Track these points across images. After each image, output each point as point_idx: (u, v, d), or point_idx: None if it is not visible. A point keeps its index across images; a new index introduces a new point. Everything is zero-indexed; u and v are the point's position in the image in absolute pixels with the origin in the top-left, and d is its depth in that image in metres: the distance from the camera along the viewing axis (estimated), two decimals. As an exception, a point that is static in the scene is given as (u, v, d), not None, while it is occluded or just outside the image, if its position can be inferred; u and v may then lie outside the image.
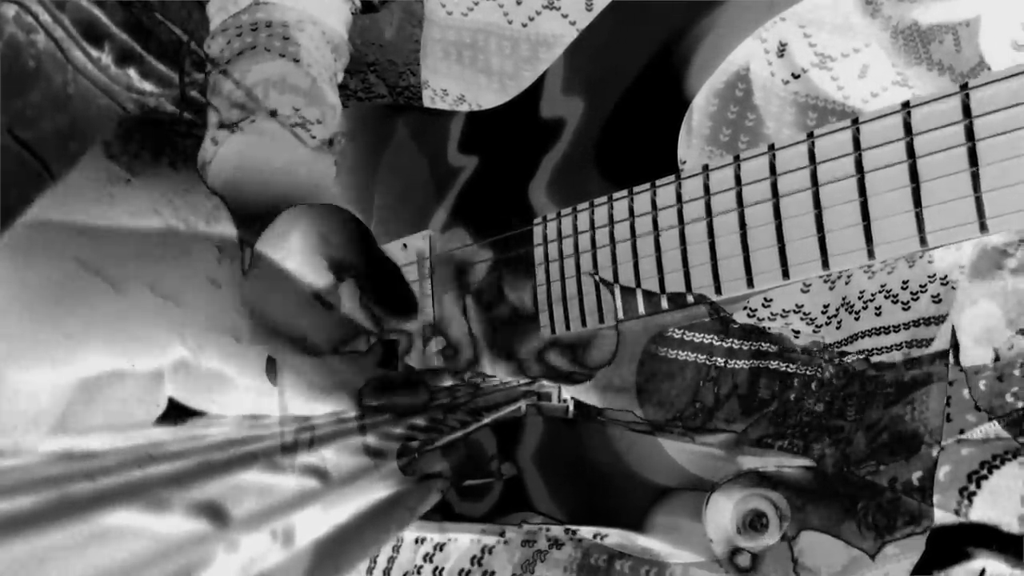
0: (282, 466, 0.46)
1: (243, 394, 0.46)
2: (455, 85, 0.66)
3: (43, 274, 0.39)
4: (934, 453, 0.39)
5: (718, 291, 0.43)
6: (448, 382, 0.57)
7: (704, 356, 0.52)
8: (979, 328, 0.46)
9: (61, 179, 0.43)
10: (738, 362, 0.49)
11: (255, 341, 0.50)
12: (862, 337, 0.61)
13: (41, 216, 0.40)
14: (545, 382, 0.54)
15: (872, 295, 0.59)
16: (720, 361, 0.51)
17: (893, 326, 0.60)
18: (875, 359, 0.60)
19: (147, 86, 0.90)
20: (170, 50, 0.93)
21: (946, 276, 0.58)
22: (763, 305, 0.58)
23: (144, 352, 0.41)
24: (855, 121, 0.37)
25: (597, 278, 0.48)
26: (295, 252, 0.53)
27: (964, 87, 0.34)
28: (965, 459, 0.42)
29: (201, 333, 0.44)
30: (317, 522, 0.45)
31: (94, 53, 0.86)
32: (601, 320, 0.49)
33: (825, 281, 0.58)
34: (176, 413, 0.43)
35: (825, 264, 0.39)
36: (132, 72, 0.89)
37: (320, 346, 0.53)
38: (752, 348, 0.49)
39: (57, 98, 0.83)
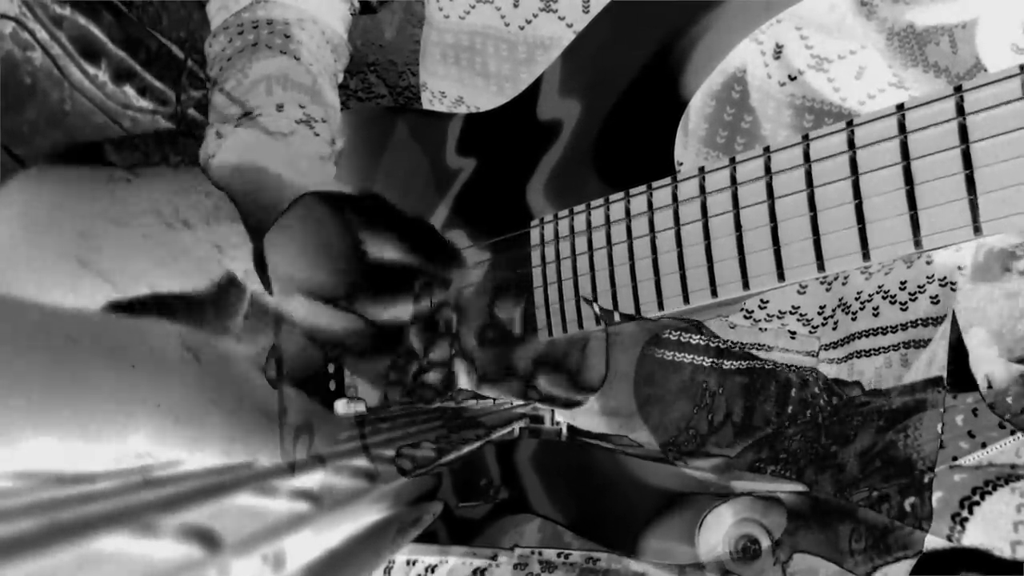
0: (274, 489, 0.45)
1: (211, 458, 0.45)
2: (453, 87, 0.66)
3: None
4: (926, 478, 0.40)
5: (714, 294, 0.43)
6: (439, 403, 0.57)
7: (700, 357, 0.52)
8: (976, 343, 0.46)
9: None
10: (732, 363, 0.49)
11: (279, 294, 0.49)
12: (859, 338, 0.61)
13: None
14: (538, 404, 0.54)
15: (869, 296, 0.59)
16: (715, 362, 0.51)
17: (891, 327, 0.60)
18: (873, 359, 0.60)
19: (144, 103, 0.90)
20: (168, 68, 0.93)
21: (945, 277, 0.58)
22: (759, 306, 0.58)
23: (103, 433, 0.41)
24: (850, 123, 0.37)
25: (597, 308, 0.48)
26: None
27: (958, 89, 0.34)
28: (957, 485, 0.43)
29: (167, 403, 0.43)
30: (308, 546, 0.45)
31: (91, 70, 0.86)
32: (598, 323, 0.49)
33: (821, 282, 0.58)
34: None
35: (821, 267, 0.39)
36: (129, 89, 0.89)
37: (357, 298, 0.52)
38: (744, 350, 0.49)
39: (53, 115, 0.83)
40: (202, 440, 0.45)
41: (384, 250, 0.53)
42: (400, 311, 0.55)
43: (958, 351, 0.42)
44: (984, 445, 0.43)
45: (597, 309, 0.47)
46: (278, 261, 0.51)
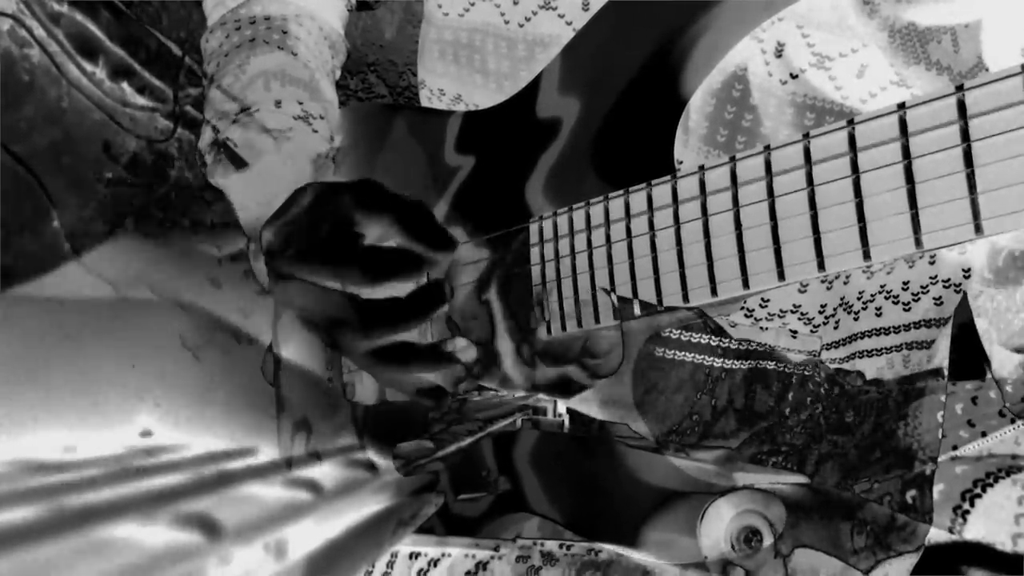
0: (276, 479, 0.45)
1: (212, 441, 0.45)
2: (452, 85, 0.66)
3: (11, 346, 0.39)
4: (927, 470, 0.39)
5: (714, 292, 0.43)
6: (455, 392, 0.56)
7: (701, 356, 0.52)
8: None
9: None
10: (735, 362, 0.49)
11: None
12: (861, 338, 0.60)
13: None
14: (541, 395, 0.54)
15: (872, 296, 0.59)
16: (717, 361, 0.50)
17: (893, 327, 0.60)
18: (875, 360, 0.60)
19: (142, 101, 0.91)
20: (165, 65, 0.93)
21: (949, 279, 0.58)
22: (760, 305, 0.58)
23: (105, 424, 0.41)
24: (850, 122, 0.37)
25: (606, 290, 0.47)
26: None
27: (960, 88, 0.34)
28: (959, 477, 0.42)
29: (169, 397, 0.43)
30: (310, 535, 0.45)
31: (88, 67, 0.86)
32: (597, 321, 0.49)
33: (823, 281, 0.58)
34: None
35: (821, 266, 0.38)
36: (126, 86, 0.89)
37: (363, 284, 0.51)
38: (747, 348, 0.49)
39: (51, 112, 0.83)
40: (202, 438, 0.45)
41: (379, 233, 0.52)
42: (395, 294, 0.54)
43: (965, 336, 0.42)
44: (984, 434, 0.43)
45: (594, 298, 0.47)
46: (272, 246, 0.51)
